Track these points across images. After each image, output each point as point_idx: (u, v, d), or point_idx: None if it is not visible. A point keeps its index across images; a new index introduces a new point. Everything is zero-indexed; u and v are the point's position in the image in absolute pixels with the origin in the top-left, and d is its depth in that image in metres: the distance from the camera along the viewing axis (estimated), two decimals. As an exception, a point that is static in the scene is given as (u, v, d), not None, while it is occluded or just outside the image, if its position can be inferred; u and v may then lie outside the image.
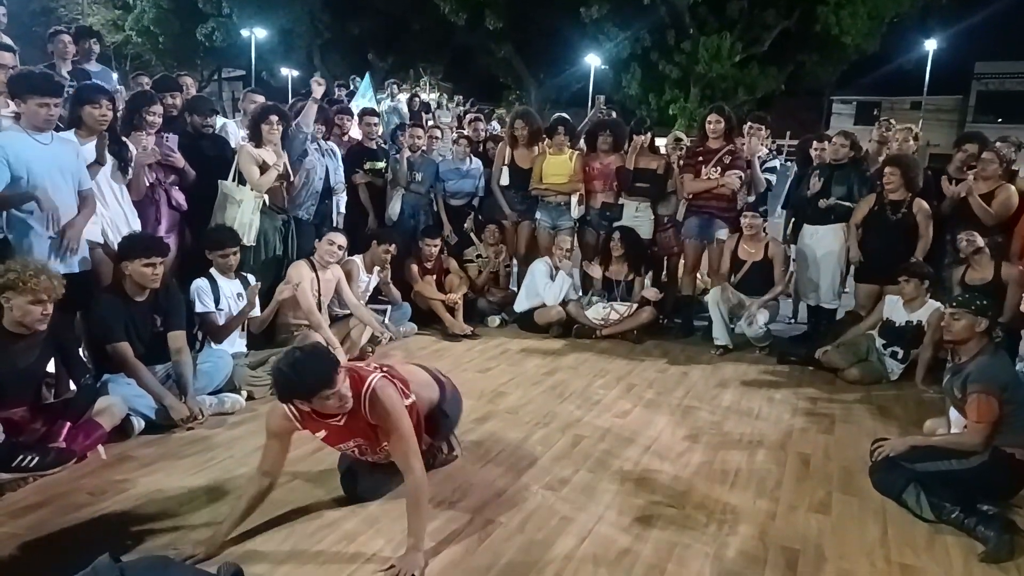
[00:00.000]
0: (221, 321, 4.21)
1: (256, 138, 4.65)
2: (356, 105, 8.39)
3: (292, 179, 4.84)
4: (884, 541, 2.82)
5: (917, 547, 2.78)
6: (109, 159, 3.91)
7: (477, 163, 6.34)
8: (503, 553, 2.60)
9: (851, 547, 2.75)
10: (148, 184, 4.28)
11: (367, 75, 10.22)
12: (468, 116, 8.88)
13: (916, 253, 5.04)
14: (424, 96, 13.70)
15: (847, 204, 5.38)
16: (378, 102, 9.81)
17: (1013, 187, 4.97)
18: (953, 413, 3.39)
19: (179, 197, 4.50)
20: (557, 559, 2.58)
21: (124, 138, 4.07)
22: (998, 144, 5.26)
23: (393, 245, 5.30)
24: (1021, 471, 3.06)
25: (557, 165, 5.99)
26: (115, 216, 4.01)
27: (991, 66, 28.70)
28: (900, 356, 4.85)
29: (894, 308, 4.87)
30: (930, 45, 25.95)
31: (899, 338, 4.84)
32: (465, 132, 7.13)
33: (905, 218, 5.08)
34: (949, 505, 2.92)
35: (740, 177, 5.53)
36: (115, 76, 7.81)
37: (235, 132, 5.18)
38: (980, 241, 4.63)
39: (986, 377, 3.06)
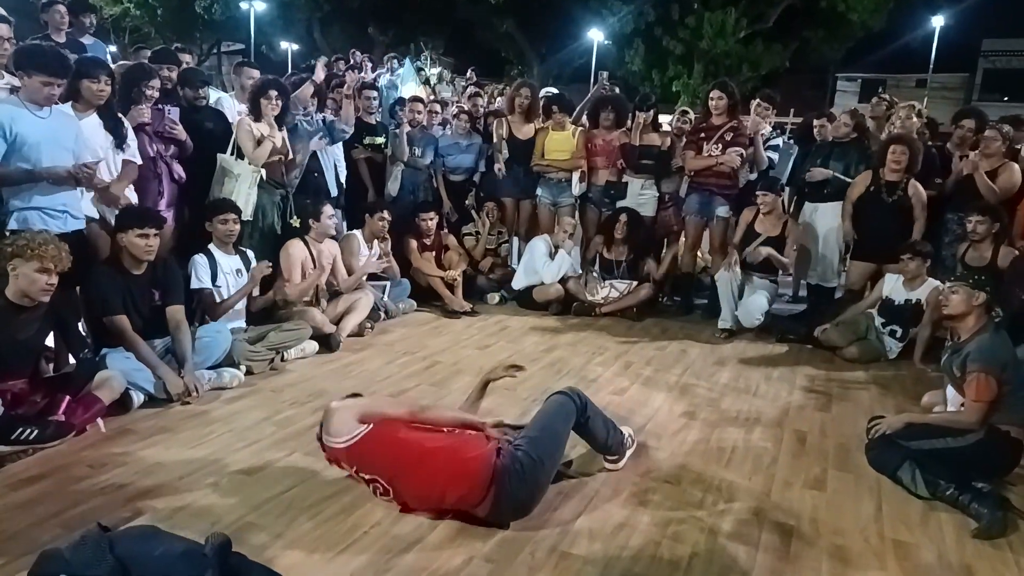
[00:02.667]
0: (218, 298, 4.20)
1: (255, 112, 4.61)
2: (403, 91, 8.39)
3: (291, 154, 4.81)
4: (878, 517, 2.84)
5: (911, 523, 2.81)
6: (106, 135, 3.88)
7: (477, 138, 6.30)
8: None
9: (845, 523, 2.77)
10: (150, 156, 4.25)
11: (407, 60, 10.05)
12: (467, 91, 8.79)
13: (914, 231, 5.01)
14: (426, 71, 13.53)
15: (842, 178, 5.35)
16: (428, 82, 9.74)
17: (1016, 165, 4.94)
18: (950, 391, 3.40)
19: (179, 170, 4.48)
20: (554, 533, 2.59)
21: (120, 114, 4.02)
22: (1003, 126, 5.20)
23: (386, 212, 5.32)
24: (1016, 449, 3.08)
25: (559, 141, 5.96)
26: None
27: (998, 43, 28.42)
28: (899, 335, 4.86)
29: (893, 287, 4.87)
30: (937, 22, 25.64)
31: (898, 317, 4.84)
32: (464, 107, 7.07)
33: (901, 199, 5.04)
34: (944, 482, 2.93)
35: (741, 155, 5.50)
36: (113, 48, 7.74)
37: (231, 106, 5.13)
38: (991, 225, 4.56)
39: (986, 356, 3.06)
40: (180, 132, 4.41)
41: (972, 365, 3.05)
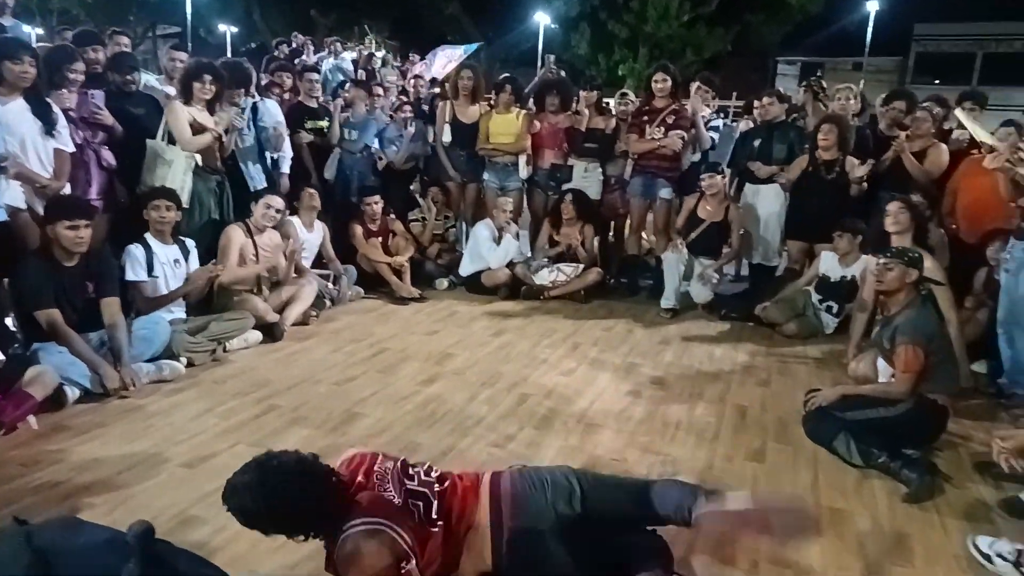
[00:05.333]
0: (162, 289, 4.09)
1: (187, 95, 4.47)
2: None
3: (224, 140, 4.67)
4: (815, 486, 2.94)
5: (846, 491, 2.92)
6: (34, 120, 3.72)
7: (421, 127, 6.24)
8: (448, 510, 2.62)
9: (784, 493, 2.86)
10: (76, 143, 4.08)
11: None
12: (409, 74, 8.72)
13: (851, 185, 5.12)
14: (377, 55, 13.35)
15: (783, 170, 5.48)
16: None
17: (944, 146, 5.12)
18: (881, 363, 3.53)
19: (109, 157, 4.31)
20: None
21: (48, 99, 3.85)
22: (929, 103, 5.39)
23: (309, 188, 5.28)
24: (943, 416, 3.24)
25: (504, 124, 5.94)
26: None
27: (929, 28, 29.27)
28: (835, 311, 5.01)
29: (829, 264, 5.02)
30: (871, 6, 26.28)
31: (834, 293, 5.00)
32: (404, 99, 7.01)
33: (838, 177, 5.17)
34: (876, 451, 3.05)
35: (683, 137, 5.58)
36: (40, 31, 7.40)
37: (156, 88, 4.96)
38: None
39: (913, 329, 3.18)
40: (106, 117, 4.25)
41: (901, 338, 3.17)
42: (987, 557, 2.43)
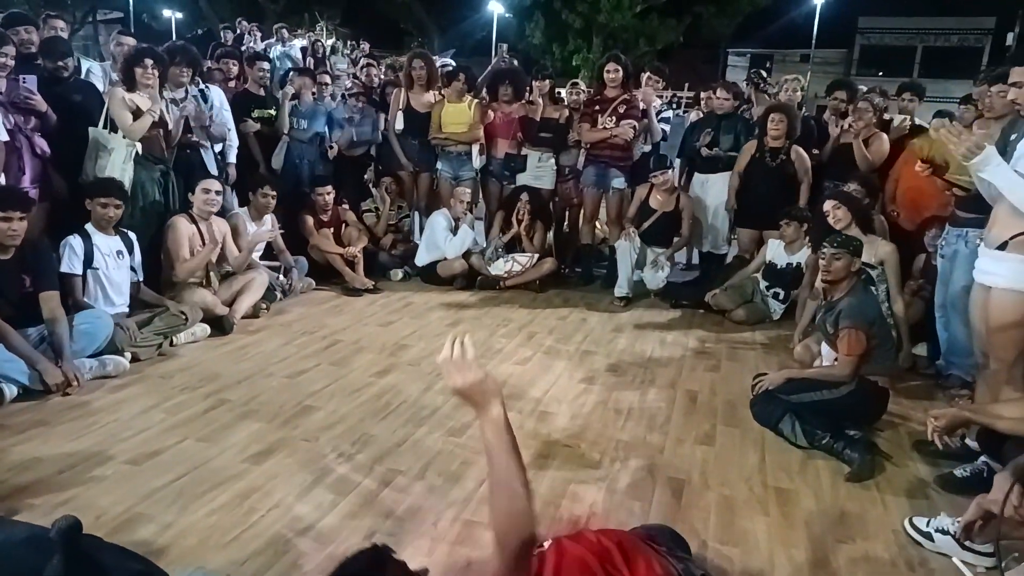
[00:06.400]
0: (103, 279, 3.95)
1: (129, 82, 4.33)
2: None
3: (169, 127, 4.55)
4: (762, 467, 3.02)
5: (791, 471, 3.00)
6: None
7: (371, 112, 6.17)
8: (402, 501, 2.62)
9: (732, 474, 2.94)
10: (7, 130, 3.92)
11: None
12: (361, 62, 8.59)
13: (800, 195, 5.26)
14: (325, 42, 13.13)
15: (733, 154, 5.58)
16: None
17: (885, 136, 5.28)
18: (824, 347, 3.63)
19: (42, 144, 4.13)
20: (457, 502, 2.62)
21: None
22: (870, 94, 5.54)
23: (268, 187, 5.12)
24: (883, 397, 3.36)
25: (456, 114, 5.90)
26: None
27: (873, 21, 30.11)
28: (782, 297, 5.14)
29: (776, 252, 5.14)
30: (818, 0, 26.93)
31: (780, 280, 5.12)
32: (359, 82, 6.91)
33: (784, 164, 5.29)
34: (820, 432, 3.15)
35: (634, 127, 5.63)
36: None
37: (99, 74, 4.79)
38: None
39: (855, 314, 3.28)
40: (38, 102, 4.06)
41: (844, 322, 3.27)
42: (927, 535, 2.48)
